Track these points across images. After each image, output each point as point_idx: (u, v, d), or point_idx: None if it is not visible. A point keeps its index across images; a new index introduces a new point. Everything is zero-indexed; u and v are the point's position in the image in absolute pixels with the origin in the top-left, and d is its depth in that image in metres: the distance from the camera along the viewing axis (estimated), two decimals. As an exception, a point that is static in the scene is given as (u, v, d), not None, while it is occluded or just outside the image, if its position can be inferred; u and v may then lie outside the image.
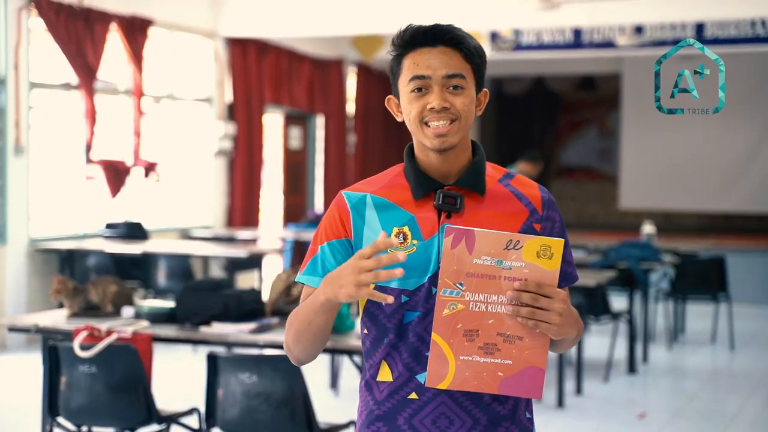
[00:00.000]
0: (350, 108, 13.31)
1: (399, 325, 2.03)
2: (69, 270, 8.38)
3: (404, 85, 2.05)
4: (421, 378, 2.02)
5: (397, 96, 2.10)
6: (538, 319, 1.89)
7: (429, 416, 2.02)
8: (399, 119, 2.11)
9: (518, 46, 11.12)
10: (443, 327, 1.91)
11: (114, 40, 9.15)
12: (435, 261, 2.01)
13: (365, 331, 2.09)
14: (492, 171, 2.11)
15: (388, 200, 2.07)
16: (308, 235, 10.12)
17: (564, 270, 2.08)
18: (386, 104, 2.14)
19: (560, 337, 1.93)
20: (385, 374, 2.06)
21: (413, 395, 2.03)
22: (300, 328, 2.02)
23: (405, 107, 2.06)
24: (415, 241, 2.02)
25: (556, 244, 1.89)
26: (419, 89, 2.03)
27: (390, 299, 1.86)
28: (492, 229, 1.98)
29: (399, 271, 1.85)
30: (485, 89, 2.11)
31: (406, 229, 2.04)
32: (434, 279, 2.00)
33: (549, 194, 2.11)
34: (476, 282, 1.89)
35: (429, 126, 2.02)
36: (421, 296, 2.02)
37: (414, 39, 2.05)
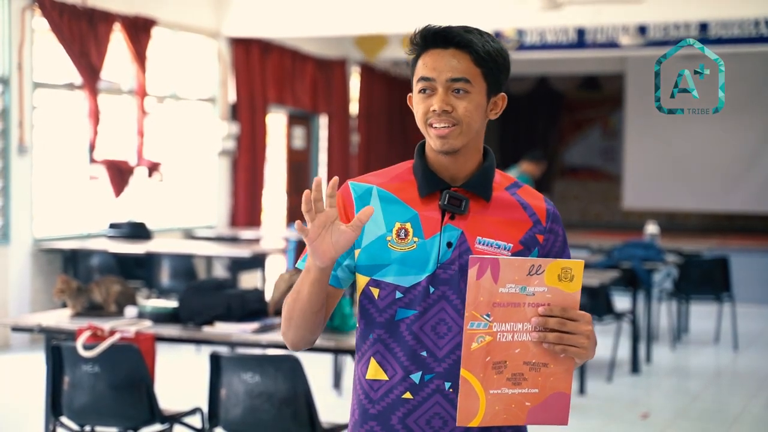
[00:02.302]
0: (353, 108, 13.32)
1: (390, 321, 2.03)
2: (72, 270, 8.39)
3: (415, 84, 2.07)
4: (415, 378, 2.01)
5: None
6: (566, 344, 1.87)
7: (423, 416, 2.02)
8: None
9: (521, 46, 11.11)
10: (472, 361, 1.85)
11: (117, 40, 9.16)
12: (434, 261, 2.01)
13: (357, 324, 2.11)
14: (500, 179, 2.12)
15: (393, 195, 2.07)
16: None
17: None
18: (408, 102, 2.14)
19: (588, 359, 1.92)
20: (378, 373, 2.05)
21: (407, 395, 2.02)
22: (291, 303, 2.03)
23: (414, 107, 2.08)
24: (416, 239, 2.02)
25: (577, 266, 1.87)
26: (424, 90, 2.04)
27: (307, 228, 1.90)
28: (491, 238, 1.99)
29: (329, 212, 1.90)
30: (502, 93, 2.09)
31: (408, 225, 2.04)
32: (432, 279, 2.01)
33: (554, 207, 2.11)
34: (503, 311, 1.85)
35: (432, 128, 2.03)
36: (417, 294, 2.01)
37: (425, 40, 2.05)
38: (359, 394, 2.09)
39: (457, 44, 2.03)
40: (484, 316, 1.85)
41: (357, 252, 2.06)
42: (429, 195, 2.05)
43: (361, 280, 2.07)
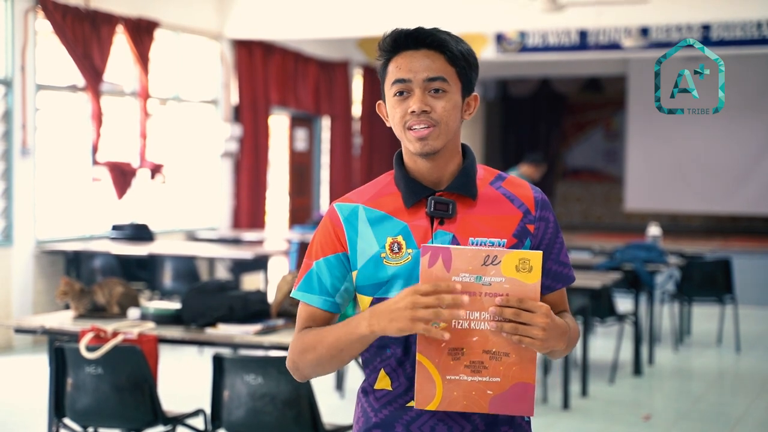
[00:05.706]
0: (356, 110, 13.32)
1: (405, 338, 2.00)
2: (75, 271, 8.40)
3: (388, 89, 2.04)
4: None
5: (385, 101, 2.09)
6: (521, 335, 1.87)
7: (427, 423, 2.00)
8: (388, 124, 2.09)
9: (524, 48, 11.12)
10: (427, 347, 1.89)
11: (120, 42, 9.18)
12: None
13: None
14: (484, 174, 2.09)
15: (380, 210, 2.05)
16: (314, 236, 10.12)
17: (559, 271, 2.07)
18: (377, 110, 2.12)
19: (545, 351, 1.92)
20: (384, 383, 2.05)
21: (411, 403, 2.01)
22: (325, 354, 1.99)
23: (390, 111, 2.05)
24: (410, 250, 2.00)
25: (535, 257, 1.88)
26: (401, 93, 2.02)
27: (447, 335, 1.85)
28: (484, 237, 1.99)
29: (462, 313, 1.85)
30: (475, 93, 2.09)
31: (400, 238, 2.02)
32: None
33: (542, 194, 2.09)
34: None
35: (411, 130, 2.01)
36: None
37: (397, 43, 2.03)
38: (363, 403, 2.09)
39: (429, 45, 2.02)
40: None
41: (354, 274, 2.05)
42: (415, 204, 2.03)
43: (364, 300, 2.05)
